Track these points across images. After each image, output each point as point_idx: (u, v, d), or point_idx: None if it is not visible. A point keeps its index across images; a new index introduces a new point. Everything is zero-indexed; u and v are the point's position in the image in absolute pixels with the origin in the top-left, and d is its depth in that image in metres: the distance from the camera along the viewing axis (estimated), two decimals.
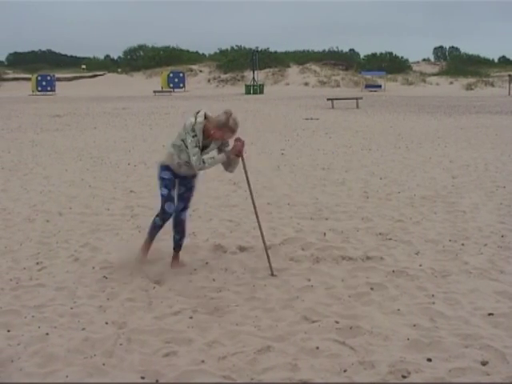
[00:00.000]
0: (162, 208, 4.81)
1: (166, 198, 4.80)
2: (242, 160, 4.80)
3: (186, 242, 5.20)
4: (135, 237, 5.97)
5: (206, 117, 4.61)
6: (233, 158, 4.72)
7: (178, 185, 4.92)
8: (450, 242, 5.66)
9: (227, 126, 4.55)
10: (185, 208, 5.02)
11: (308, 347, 3.51)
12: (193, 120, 4.58)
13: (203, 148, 4.64)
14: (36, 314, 4.04)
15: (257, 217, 5.02)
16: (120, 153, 12.37)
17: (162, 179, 4.85)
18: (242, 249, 5.54)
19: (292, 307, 4.12)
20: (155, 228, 4.94)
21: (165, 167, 4.85)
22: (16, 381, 3.19)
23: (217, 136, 4.60)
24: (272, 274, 4.79)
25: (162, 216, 4.85)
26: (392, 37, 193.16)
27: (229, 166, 4.78)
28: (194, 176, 4.94)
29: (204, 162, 4.58)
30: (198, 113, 4.64)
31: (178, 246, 5.11)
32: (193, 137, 4.55)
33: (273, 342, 3.59)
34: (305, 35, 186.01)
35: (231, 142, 4.77)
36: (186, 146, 4.61)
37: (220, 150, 4.74)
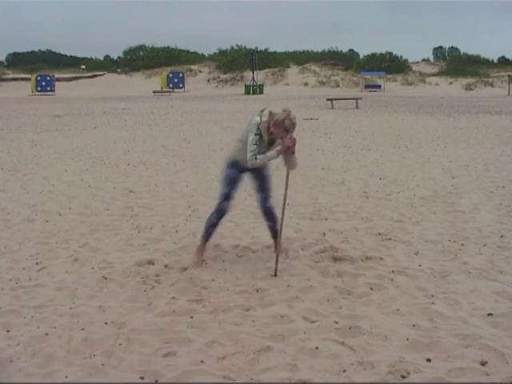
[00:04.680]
0: (220, 205, 4.94)
1: (226, 197, 4.93)
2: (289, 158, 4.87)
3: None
4: (135, 237, 5.98)
5: (270, 115, 4.72)
6: (285, 155, 4.77)
7: (251, 179, 5.05)
8: (449, 242, 5.66)
9: (283, 124, 4.61)
10: (267, 197, 5.08)
11: (307, 347, 3.51)
12: (258, 119, 4.69)
13: (270, 144, 4.78)
14: (35, 314, 4.04)
15: (282, 217, 5.01)
16: (119, 153, 12.37)
17: (226, 176, 4.94)
18: (241, 249, 5.54)
19: (292, 307, 4.12)
20: (211, 226, 5.04)
21: (232, 163, 4.93)
22: (16, 381, 3.19)
23: (274, 134, 4.71)
24: (274, 275, 4.79)
25: (218, 214, 4.97)
26: (391, 37, 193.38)
27: (286, 163, 4.86)
28: (264, 167, 4.99)
29: (256, 159, 4.68)
30: (262, 111, 4.75)
31: (274, 232, 5.20)
32: (255, 135, 4.68)
33: (272, 342, 3.60)
34: (305, 35, 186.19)
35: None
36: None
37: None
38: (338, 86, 54.72)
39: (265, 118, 4.68)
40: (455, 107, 27.92)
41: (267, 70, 58.54)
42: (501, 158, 11.23)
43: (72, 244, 5.76)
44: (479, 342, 3.53)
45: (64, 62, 73.73)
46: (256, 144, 4.66)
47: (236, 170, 4.92)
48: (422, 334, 3.67)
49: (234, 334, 3.70)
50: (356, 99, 28.14)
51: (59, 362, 3.37)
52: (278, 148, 4.69)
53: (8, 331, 3.77)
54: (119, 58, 73.75)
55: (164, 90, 49.48)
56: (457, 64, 63.42)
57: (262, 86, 47.43)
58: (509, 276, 4.74)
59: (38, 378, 3.21)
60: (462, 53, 75.96)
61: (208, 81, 60.14)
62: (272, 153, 4.70)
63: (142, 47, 69.94)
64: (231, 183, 4.92)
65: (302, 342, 3.58)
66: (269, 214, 5.13)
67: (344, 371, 3.25)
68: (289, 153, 4.72)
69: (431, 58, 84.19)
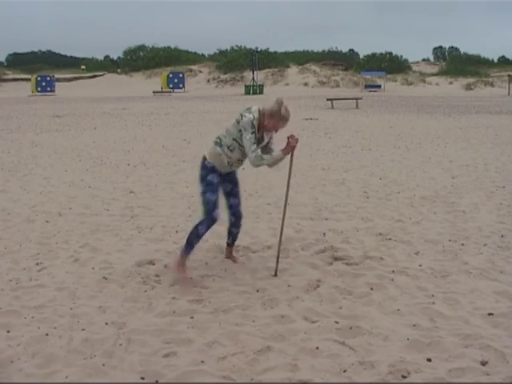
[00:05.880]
0: (210, 215, 4.61)
1: (215, 205, 4.63)
2: (291, 157, 4.78)
3: None
4: (135, 237, 5.98)
5: (260, 110, 4.58)
6: (285, 155, 4.66)
7: (223, 183, 4.81)
8: (449, 242, 5.66)
9: (280, 114, 4.53)
10: (240, 202, 4.99)
11: (308, 347, 3.51)
12: (251, 116, 4.49)
13: (258, 142, 4.58)
14: (36, 314, 4.04)
15: (283, 217, 5.00)
16: (120, 153, 12.37)
17: (210, 183, 4.67)
18: (241, 249, 5.54)
19: (292, 307, 4.12)
20: (198, 237, 4.69)
21: (212, 168, 4.69)
22: (16, 381, 3.18)
23: (270, 126, 4.55)
24: (275, 275, 4.79)
25: (209, 223, 4.63)
26: (391, 37, 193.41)
27: (274, 163, 4.69)
28: (235, 170, 4.90)
29: (263, 159, 4.53)
30: (250, 109, 4.58)
31: (234, 240, 5.20)
32: (251, 133, 4.47)
33: (273, 342, 3.59)
34: (305, 35, 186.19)
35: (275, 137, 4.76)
36: (240, 144, 4.55)
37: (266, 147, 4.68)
38: (337, 86, 54.70)
39: (256, 115, 4.52)
40: (455, 107, 27.92)
41: (267, 70, 58.55)
42: (501, 157, 11.23)
43: (72, 244, 5.76)
44: (480, 341, 3.53)
45: (64, 63, 73.72)
46: (255, 143, 4.48)
47: (217, 174, 4.70)
48: (422, 333, 3.67)
49: (235, 334, 3.70)
50: (356, 99, 28.14)
51: (59, 363, 3.37)
52: (283, 148, 4.59)
53: (8, 332, 3.77)
54: (119, 58, 73.75)
55: (164, 90, 49.47)
56: (457, 64, 63.37)
57: (262, 86, 47.43)
58: (509, 276, 4.74)
59: (39, 379, 3.21)
60: (462, 53, 75.93)
61: (208, 81, 60.15)
62: (278, 154, 4.58)
63: (142, 47, 69.93)
64: (216, 190, 4.68)
65: (302, 342, 3.58)
66: (240, 221, 5.03)
67: (344, 371, 3.25)
68: (292, 152, 4.69)
69: (431, 58, 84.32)
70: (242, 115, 4.55)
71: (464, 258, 5.17)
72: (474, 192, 8.03)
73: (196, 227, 4.66)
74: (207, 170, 4.71)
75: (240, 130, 4.53)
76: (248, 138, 4.47)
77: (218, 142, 4.68)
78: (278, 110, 4.52)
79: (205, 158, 4.74)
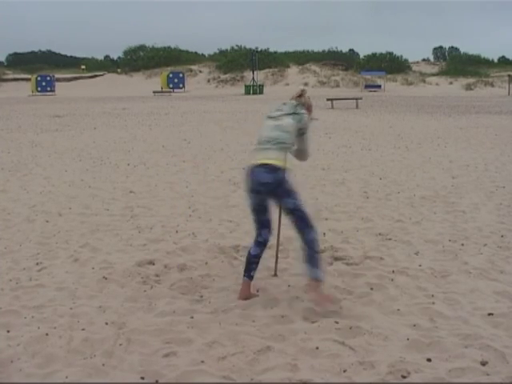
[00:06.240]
0: (313, 224, 4.25)
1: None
2: None
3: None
4: (135, 237, 5.98)
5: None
6: None
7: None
8: (449, 242, 5.66)
9: (312, 106, 4.49)
10: None
11: (308, 347, 3.51)
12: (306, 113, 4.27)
13: None
14: (36, 314, 4.04)
15: (279, 217, 4.99)
16: (120, 153, 12.37)
17: (296, 191, 4.16)
18: (241, 249, 5.53)
19: (292, 307, 4.12)
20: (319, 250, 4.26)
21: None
22: (16, 381, 3.18)
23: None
24: (275, 275, 4.79)
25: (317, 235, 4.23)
26: (391, 37, 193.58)
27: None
28: None
29: None
30: (299, 104, 4.32)
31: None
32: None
33: (273, 342, 3.59)
34: (305, 35, 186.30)
35: None
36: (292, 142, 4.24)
37: None
38: (338, 86, 54.69)
39: None
40: (455, 107, 27.92)
41: (267, 70, 58.53)
42: (501, 157, 11.23)
43: (72, 244, 5.76)
44: (479, 341, 3.53)
45: (64, 63, 73.64)
46: None
47: None
48: (422, 333, 3.67)
49: (235, 334, 3.69)
50: (356, 99, 28.15)
51: (59, 363, 3.37)
52: None
53: (8, 331, 3.76)
54: (119, 58, 73.67)
55: (164, 90, 49.45)
56: (457, 64, 63.32)
57: (262, 86, 47.42)
58: (509, 276, 4.74)
59: (38, 379, 3.20)
60: (461, 53, 75.85)
61: (208, 81, 60.13)
62: None
63: (142, 47, 69.83)
64: None
65: (302, 342, 3.58)
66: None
67: (344, 371, 3.25)
68: None
69: (431, 58, 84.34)
70: (299, 114, 4.23)
71: (464, 258, 5.17)
72: (473, 192, 8.03)
73: (313, 244, 4.20)
74: (289, 181, 4.13)
75: (300, 129, 4.25)
76: (308, 135, 4.32)
77: (286, 147, 4.15)
78: (310, 102, 4.48)
79: (282, 169, 4.08)
